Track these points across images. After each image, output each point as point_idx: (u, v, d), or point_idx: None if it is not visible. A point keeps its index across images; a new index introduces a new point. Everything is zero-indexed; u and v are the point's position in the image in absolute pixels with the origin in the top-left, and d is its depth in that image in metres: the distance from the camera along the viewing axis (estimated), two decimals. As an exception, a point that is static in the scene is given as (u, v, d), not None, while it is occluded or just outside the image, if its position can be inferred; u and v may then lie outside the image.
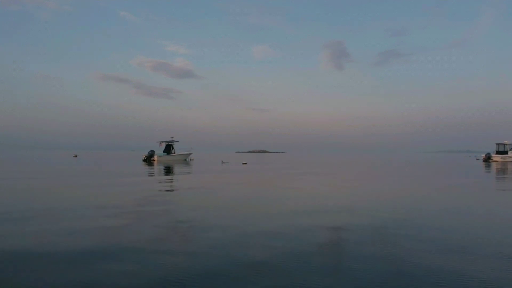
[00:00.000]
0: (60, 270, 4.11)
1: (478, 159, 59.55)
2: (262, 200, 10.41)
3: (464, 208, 8.95)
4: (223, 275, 3.99)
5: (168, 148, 45.75)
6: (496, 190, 14.89)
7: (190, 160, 47.71)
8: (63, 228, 6.28)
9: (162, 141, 45.62)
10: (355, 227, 6.55)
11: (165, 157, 44.28)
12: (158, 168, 28.50)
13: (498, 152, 51.93)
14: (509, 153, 51.46)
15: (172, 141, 45.99)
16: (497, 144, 52.64)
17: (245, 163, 38.63)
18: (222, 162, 42.45)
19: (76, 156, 65.14)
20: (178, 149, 47.18)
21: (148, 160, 42.58)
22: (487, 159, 50.90)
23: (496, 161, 49.67)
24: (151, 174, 22.31)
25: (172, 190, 13.10)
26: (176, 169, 27.57)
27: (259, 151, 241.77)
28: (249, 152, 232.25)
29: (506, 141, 52.15)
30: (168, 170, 25.61)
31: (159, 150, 44.87)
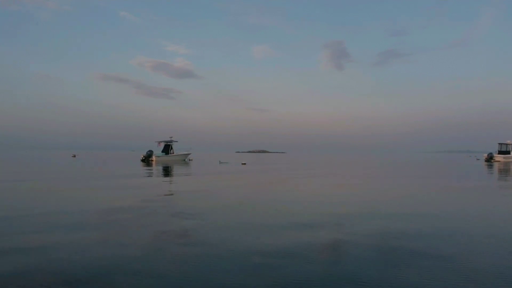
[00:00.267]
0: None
1: (478, 159, 59.06)
2: (264, 209, 9.83)
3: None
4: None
5: (167, 148, 45.22)
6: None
7: (189, 160, 47.19)
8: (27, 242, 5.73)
9: (161, 141, 45.09)
10: (367, 238, 6.00)
11: (164, 157, 43.75)
12: (156, 168, 27.95)
13: (500, 152, 51.47)
14: (511, 153, 50.99)
15: (171, 141, 45.48)
16: (499, 144, 52.17)
17: (244, 164, 38.03)
18: (220, 162, 41.88)
19: (74, 156, 63.96)
20: (177, 149, 46.68)
21: (147, 160, 42.00)
22: (489, 159, 50.38)
23: (499, 161, 49.18)
24: (149, 175, 21.77)
25: (166, 195, 12.56)
26: (173, 170, 27.02)
27: (259, 151, 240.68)
28: (249, 152, 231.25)
29: (508, 141, 51.69)
30: (165, 171, 25.07)
31: (158, 150, 44.36)
